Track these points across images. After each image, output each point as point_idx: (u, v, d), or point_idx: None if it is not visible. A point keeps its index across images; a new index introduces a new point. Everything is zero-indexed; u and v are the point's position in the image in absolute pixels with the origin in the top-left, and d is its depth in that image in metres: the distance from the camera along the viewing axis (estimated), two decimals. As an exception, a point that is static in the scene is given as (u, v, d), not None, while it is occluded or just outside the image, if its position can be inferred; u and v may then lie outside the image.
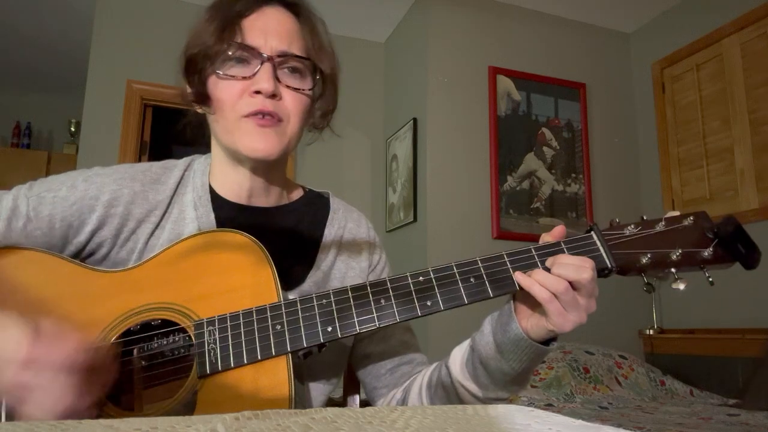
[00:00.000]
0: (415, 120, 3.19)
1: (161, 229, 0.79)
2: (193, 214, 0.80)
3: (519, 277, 0.68)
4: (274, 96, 0.75)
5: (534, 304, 0.68)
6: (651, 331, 3.17)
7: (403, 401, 0.83)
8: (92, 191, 0.76)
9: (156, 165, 0.83)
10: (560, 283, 0.65)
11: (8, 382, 0.56)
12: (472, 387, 0.75)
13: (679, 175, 3.19)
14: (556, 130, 3.29)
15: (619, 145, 3.46)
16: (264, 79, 0.74)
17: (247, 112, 0.74)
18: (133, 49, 3.22)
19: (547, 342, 0.70)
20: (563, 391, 2.42)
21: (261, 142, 0.75)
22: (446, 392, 0.78)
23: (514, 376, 0.72)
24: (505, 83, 3.23)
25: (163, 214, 0.79)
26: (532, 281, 0.66)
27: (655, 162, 3.34)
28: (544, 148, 3.24)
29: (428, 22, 3.18)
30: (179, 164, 0.84)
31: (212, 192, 0.83)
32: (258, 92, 0.74)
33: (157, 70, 3.12)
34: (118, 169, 0.80)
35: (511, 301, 0.72)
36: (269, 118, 0.75)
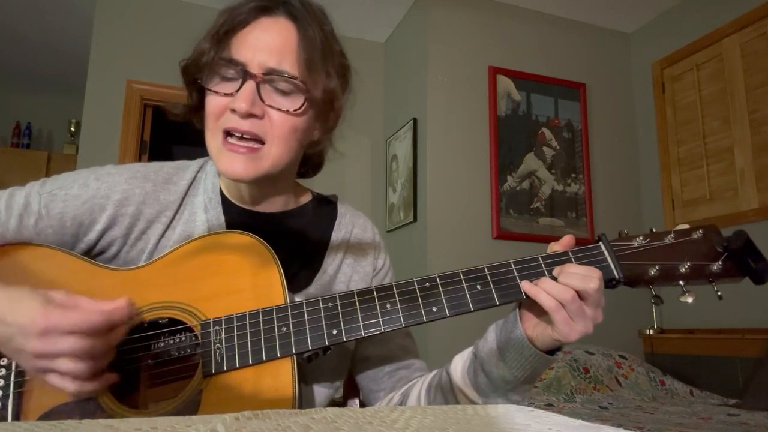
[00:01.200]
0: (415, 120, 3.19)
1: (172, 230, 0.79)
2: (203, 217, 0.80)
3: (525, 285, 0.67)
4: (254, 116, 0.72)
5: (540, 312, 0.68)
6: (651, 331, 3.17)
7: (401, 405, 0.83)
8: (104, 190, 0.76)
9: (168, 165, 0.83)
10: (567, 292, 0.64)
11: (29, 353, 0.59)
12: (472, 394, 0.74)
13: (679, 175, 3.19)
14: (556, 130, 3.29)
15: (619, 145, 3.46)
16: (241, 98, 0.71)
17: (224, 128, 0.73)
18: (133, 49, 3.22)
19: (551, 352, 0.70)
20: (563, 391, 2.42)
21: (232, 167, 0.73)
22: (445, 398, 0.77)
23: (515, 385, 0.71)
24: (505, 83, 3.23)
25: (174, 215, 0.79)
26: (539, 290, 0.66)
27: (655, 162, 3.34)
28: (544, 148, 3.24)
29: (428, 22, 3.18)
30: (192, 165, 0.84)
31: (222, 195, 0.83)
32: (235, 111, 0.72)
33: (157, 70, 3.12)
34: (131, 168, 0.80)
35: (517, 309, 0.72)
36: (244, 144, 0.73)
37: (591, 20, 3.49)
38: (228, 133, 0.74)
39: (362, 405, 0.97)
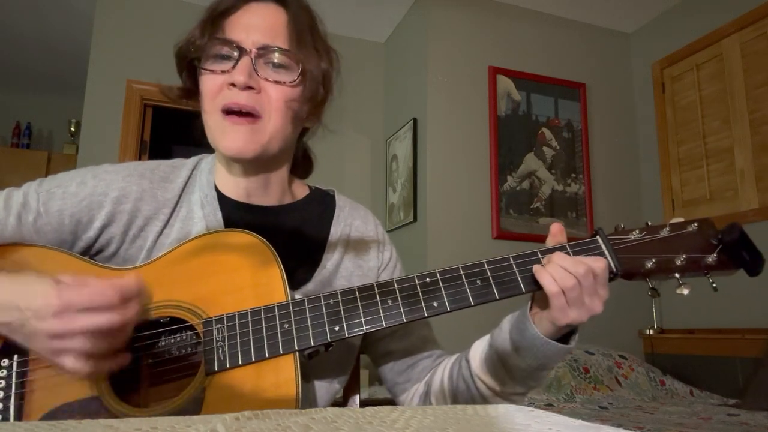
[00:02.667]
0: (415, 120, 3.19)
1: (170, 228, 0.79)
2: (200, 214, 0.80)
3: (535, 267, 0.69)
4: (251, 89, 0.74)
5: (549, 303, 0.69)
6: (651, 331, 3.17)
7: (426, 394, 0.85)
8: (101, 188, 0.77)
9: (165, 163, 0.84)
10: (569, 279, 0.66)
11: (45, 334, 0.59)
12: (491, 381, 0.76)
13: (679, 175, 3.19)
14: (556, 130, 3.29)
15: (619, 145, 3.46)
16: (239, 72, 0.73)
17: (222, 105, 0.75)
18: (133, 49, 3.22)
19: (566, 340, 0.71)
20: (563, 391, 2.42)
21: (235, 141, 0.75)
22: (466, 385, 0.79)
23: (529, 372, 0.73)
24: (505, 83, 3.23)
25: (172, 213, 0.80)
26: (544, 273, 0.67)
27: (655, 162, 3.34)
28: (544, 148, 3.24)
29: (428, 22, 3.18)
30: (188, 163, 0.85)
31: (218, 191, 0.83)
32: (234, 85, 0.74)
33: (157, 70, 3.09)
34: (128, 167, 0.81)
35: (530, 300, 0.73)
36: (244, 117, 0.75)
37: (591, 20, 3.49)
38: (226, 113, 0.75)
39: (363, 402, 0.98)
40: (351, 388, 1.02)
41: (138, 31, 3.24)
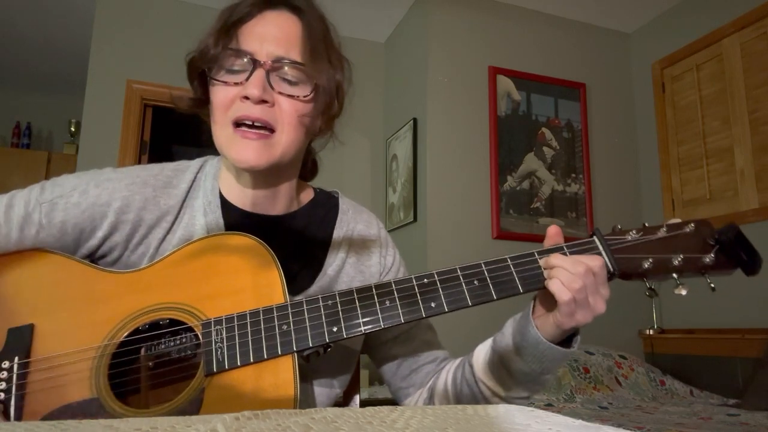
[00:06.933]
0: (415, 120, 3.19)
1: (172, 234, 0.79)
2: (202, 221, 0.80)
3: (547, 282, 0.67)
4: (265, 102, 0.73)
5: (553, 305, 0.69)
6: (651, 331, 3.17)
7: (429, 399, 0.85)
8: (104, 197, 0.76)
9: (168, 167, 0.83)
10: (576, 281, 0.65)
11: None
12: (494, 385, 0.76)
13: (679, 175, 3.19)
14: (556, 130, 3.29)
15: (619, 145, 3.46)
16: (253, 85, 0.72)
17: (234, 117, 0.74)
18: (133, 49, 3.22)
19: (568, 342, 0.71)
20: (563, 391, 2.42)
21: (246, 153, 0.74)
22: (471, 390, 0.79)
23: (534, 377, 0.73)
24: (505, 83, 3.23)
25: (175, 220, 0.79)
26: (555, 281, 0.66)
27: (655, 162, 3.34)
28: (544, 148, 3.24)
29: (428, 22, 3.18)
30: (192, 166, 0.84)
31: (222, 197, 0.82)
32: (247, 98, 0.73)
33: (157, 70, 3.12)
34: (130, 173, 0.80)
35: (532, 303, 0.73)
36: (255, 131, 0.74)
37: (591, 20, 3.49)
38: (237, 124, 0.74)
39: (363, 402, 0.97)
40: (351, 388, 1.02)
41: (138, 31, 3.24)
